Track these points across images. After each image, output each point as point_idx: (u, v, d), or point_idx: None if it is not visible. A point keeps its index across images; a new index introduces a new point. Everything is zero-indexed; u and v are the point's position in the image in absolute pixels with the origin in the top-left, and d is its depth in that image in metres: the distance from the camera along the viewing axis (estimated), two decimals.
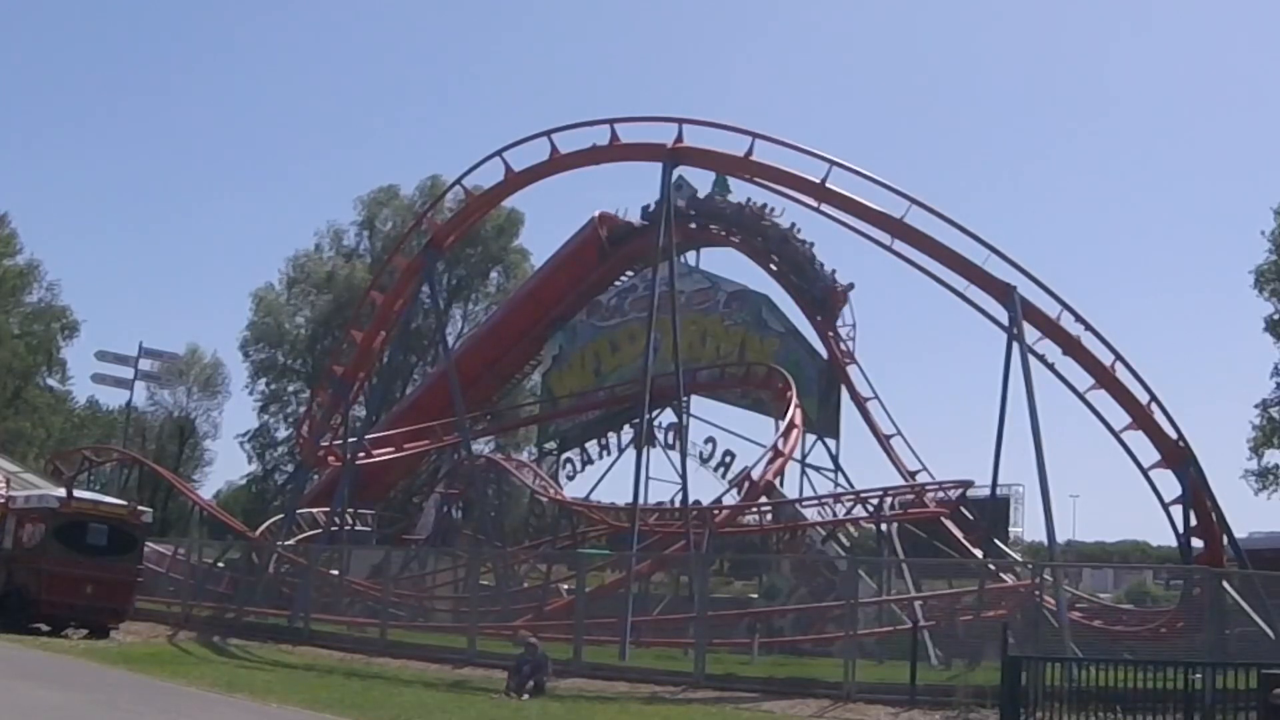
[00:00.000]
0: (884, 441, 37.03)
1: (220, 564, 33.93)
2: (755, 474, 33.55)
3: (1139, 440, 28.66)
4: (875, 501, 31.90)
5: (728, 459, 40.23)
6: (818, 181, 28.15)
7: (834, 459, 39.91)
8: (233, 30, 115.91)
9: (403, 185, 67.95)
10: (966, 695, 18.08)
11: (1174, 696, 15.30)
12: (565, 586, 29.40)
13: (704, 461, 40.16)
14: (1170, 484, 28.67)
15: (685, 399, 35.34)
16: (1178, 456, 28.32)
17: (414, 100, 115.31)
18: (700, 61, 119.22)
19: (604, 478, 42.58)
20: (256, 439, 67.93)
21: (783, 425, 34.78)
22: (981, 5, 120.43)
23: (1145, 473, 28.70)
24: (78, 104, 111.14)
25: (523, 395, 55.46)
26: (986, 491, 29.65)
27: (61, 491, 28.94)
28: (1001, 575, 26.91)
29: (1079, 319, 27.98)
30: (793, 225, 40.18)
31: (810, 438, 38.88)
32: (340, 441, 36.94)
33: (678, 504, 31.47)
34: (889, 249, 28.33)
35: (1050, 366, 28.22)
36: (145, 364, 49.82)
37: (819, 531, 32.86)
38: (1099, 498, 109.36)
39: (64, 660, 20.87)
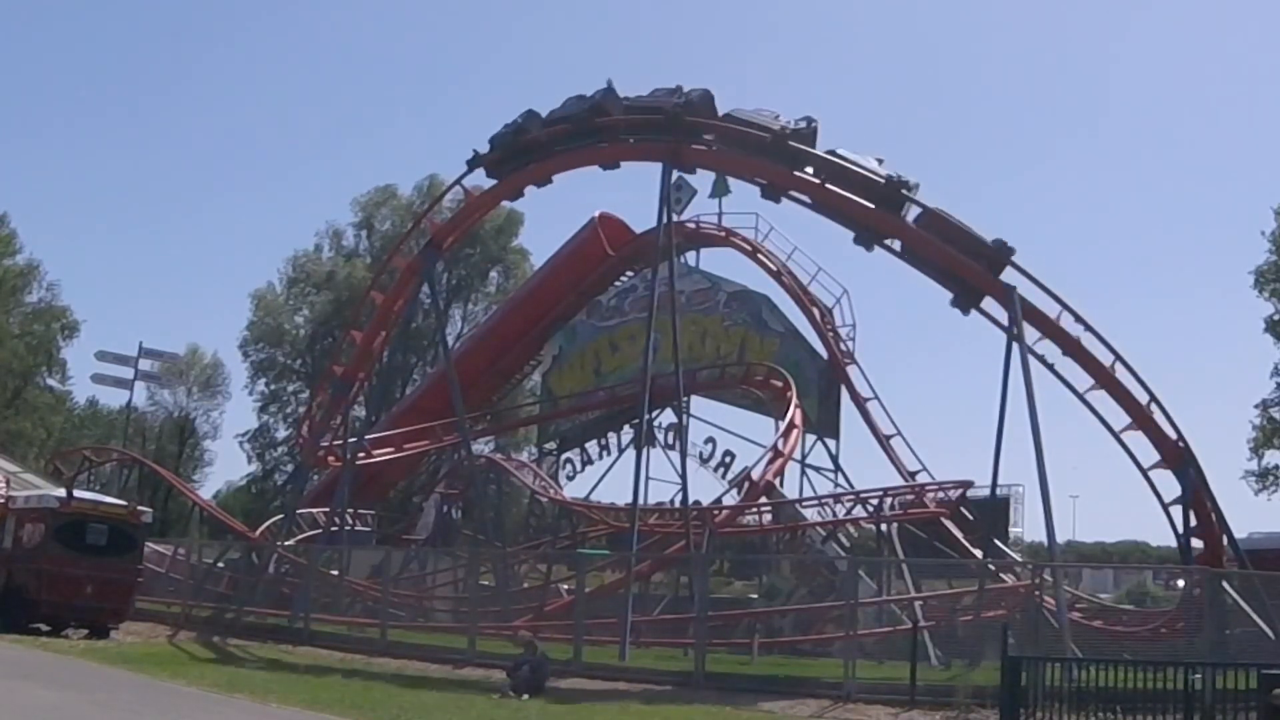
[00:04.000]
0: (884, 442, 36.94)
1: (220, 564, 33.93)
2: (755, 474, 33.51)
3: (1139, 440, 28.58)
4: (875, 502, 31.91)
5: (728, 459, 40.19)
6: (818, 182, 28.11)
7: (834, 459, 39.85)
8: (232, 31, 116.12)
9: (401, 185, 68.23)
10: (966, 695, 18.10)
11: (1174, 697, 15.29)
12: (565, 586, 29.40)
13: (704, 461, 40.10)
14: (1170, 484, 28.59)
15: (685, 399, 35.31)
16: (1178, 457, 28.23)
17: (413, 100, 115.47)
18: (701, 61, 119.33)
19: (604, 478, 42.53)
20: (256, 439, 68.08)
21: (783, 425, 34.73)
22: (983, 5, 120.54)
23: (1145, 473, 28.62)
24: (77, 104, 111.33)
25: (523, 395, 55.44)
26: (986, 491, 29.62)
27: (61, 491, 28.98)
28: (1001, 575, 26.90)
29: (1079, 319, 27.92)
30: None
31: (810, 438, 38.84)
32: (340, 442, 36.94)
33: (678, 504, 31.45)
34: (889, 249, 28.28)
35: (1050, 367, 28.16)
36: (145, 364, 49.85)
37: (819, 532, 32.84)
38: (1099, 498, 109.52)
39: (64, 660, 20.87)
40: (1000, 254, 27.17)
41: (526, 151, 30.97)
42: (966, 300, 27.62)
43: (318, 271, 67.30)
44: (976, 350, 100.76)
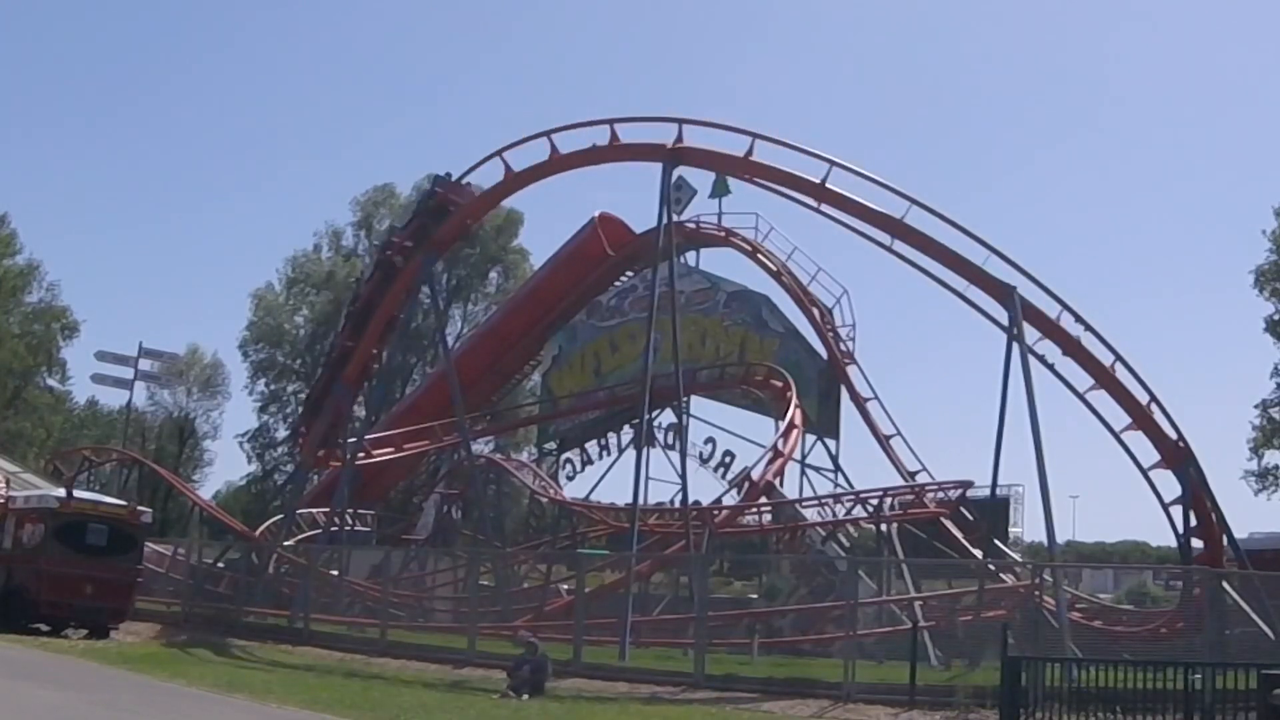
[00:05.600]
0: (884, 442, 37.01)
1: (220, 564, 33.94)
2: (755, 474, 33.55)
3: (1139, 440, 28.62)
4: (875, 502, 31.91)
5: (728, 459, 40.27)
6: (818, 182, 28.09)
7: (834, 459, 39.93)
8: (232, 30, 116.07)
9: (400, 185, 68.19)
10: (966, 695, 18.08)
11: (1174, 697, 15.29)
12: (565, 586, 29.40)
13: (704, 461, 40.19)
14: (1170, 484, 28.63)
15: (685, 399, 35.34)
16: (1178, 457, 28.26)
17: (413, 100, 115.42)
18: (700, 61, 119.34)
19: (604, 478, 42.66)
20: (256, 439, 68.09)
21: (783, 425, 34.77)
22: (981, 5, 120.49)
23: (1145, 473, 28.65)
24: (77, 104, 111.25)
25: (523, 395, 55.47)
26: (986, 491, 29.64)
27: (61, 491, 28.98)
28: (1001, 576, 26.91)
29: (1079, 319, 27.94)
30: None
31: (810, 438, 38.89)
32: (340, 442, 36.94)
33: (678, 504, 31.47)
34: (889, 249, 28.29)
35: (1050, 367, 28.19)
36: (145, 364, 49.73)
37: (819, 532, 32.85)
38: (1099, 498, 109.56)
39: (64, 660, 20.88)
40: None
41: None
42: None
43: (317, 271, 67.35)
44: (976, 350, 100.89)
